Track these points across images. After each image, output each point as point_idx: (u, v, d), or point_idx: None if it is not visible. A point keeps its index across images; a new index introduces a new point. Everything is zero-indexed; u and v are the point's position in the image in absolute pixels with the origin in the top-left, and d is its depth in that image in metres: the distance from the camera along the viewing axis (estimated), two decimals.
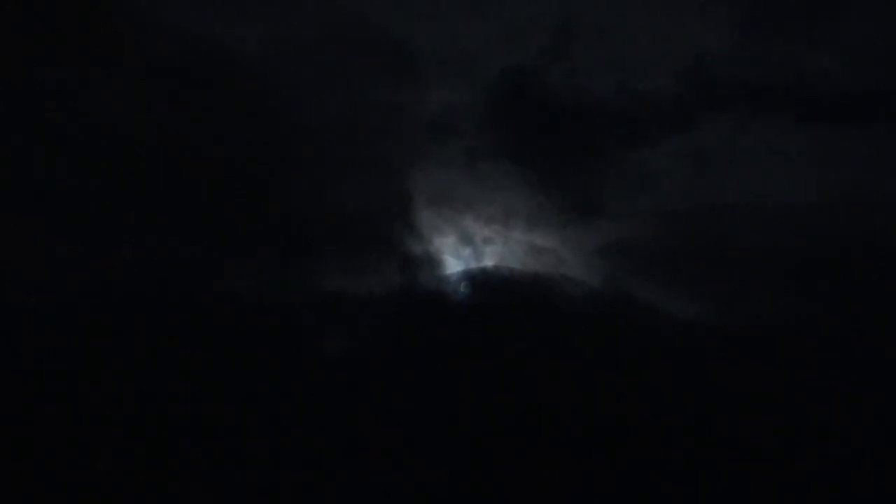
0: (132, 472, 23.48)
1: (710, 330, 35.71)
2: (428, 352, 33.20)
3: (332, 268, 37.50)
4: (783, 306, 35.94)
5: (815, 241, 38.36)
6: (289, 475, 25.36)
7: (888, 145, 41.30)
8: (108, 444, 23.90)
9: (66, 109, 34.07)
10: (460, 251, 43.99)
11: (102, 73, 35.85)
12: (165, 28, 38.28)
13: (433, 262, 40.82)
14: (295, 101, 41.70)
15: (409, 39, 46.07)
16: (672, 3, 48.65)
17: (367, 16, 45.01)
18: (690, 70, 47.03)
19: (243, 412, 27.45)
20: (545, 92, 47.71)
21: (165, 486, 23.32)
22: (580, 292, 39.83)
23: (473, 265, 43.16)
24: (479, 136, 46.52)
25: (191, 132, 37.07)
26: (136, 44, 37.34)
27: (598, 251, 43.09)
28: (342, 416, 28.69)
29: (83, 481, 22.69)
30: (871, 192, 39.34)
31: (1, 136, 31.93)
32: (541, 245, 44.69)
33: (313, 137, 41.28)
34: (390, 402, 29.85)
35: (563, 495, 26.24)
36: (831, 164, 41.90)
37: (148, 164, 35.45)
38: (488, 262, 43.68)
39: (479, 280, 41.13)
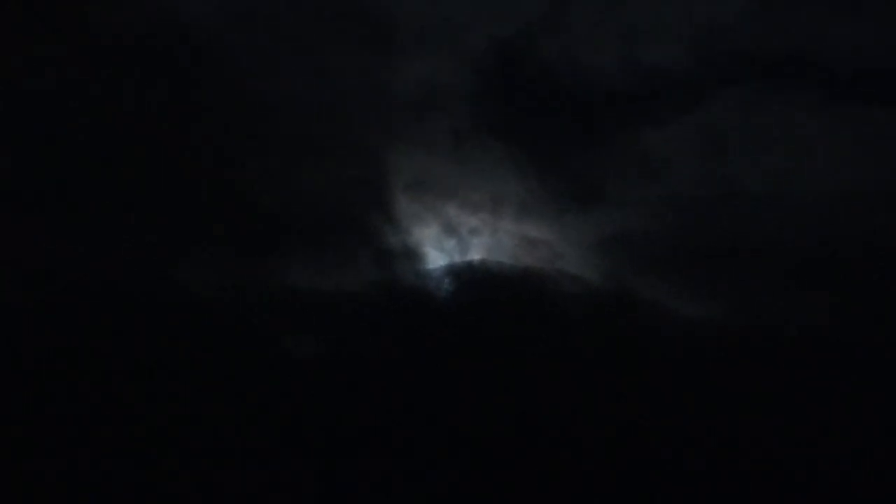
0: (83, 474, 24.24)
1: (721, 334, 35.46)
2: (407, 356, 32.96)
3: (297, 263, 37.09)
4: (806, 311, 35.65)
5: (844, 236, 37.97)
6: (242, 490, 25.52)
7: None
8: (55, 445, 24.69)
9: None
10: (443, 243, 43.56)
11: (41, 46, 35.34)
12: None
13: (413, 256, 40.18)
14: (255, 76, 40.93)
15: (384, 4, 45.60)
16: None
17: None
18: (701, 41, 46.89)
19: (198, 422, 27.23)
20: (539, 65, 47.55)
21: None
22: (577, 290, 39.43)
23: (458, 259, 42.77)
24: (465, 114, 45.98)
25: (136, 112, 36.40)
26: (79, 15, 36.80)
27: (598, 244, 42.59)
28: (308, 429, 28.52)
29: (35, 482, 23.56)
30: None
31: None
32: (534, 237, 44.08)
33: (276, 116, 40.48)
34: (363, 414, 29.65)
35: None
36: (862, 147, 41.75)
37: (88, 148, 34.80)
38: (475, 255, 43.18)
39: (465, 275, 40.74)
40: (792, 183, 41.74)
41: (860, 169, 40.54)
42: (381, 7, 44.91)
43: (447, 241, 43.60)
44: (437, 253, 42.74)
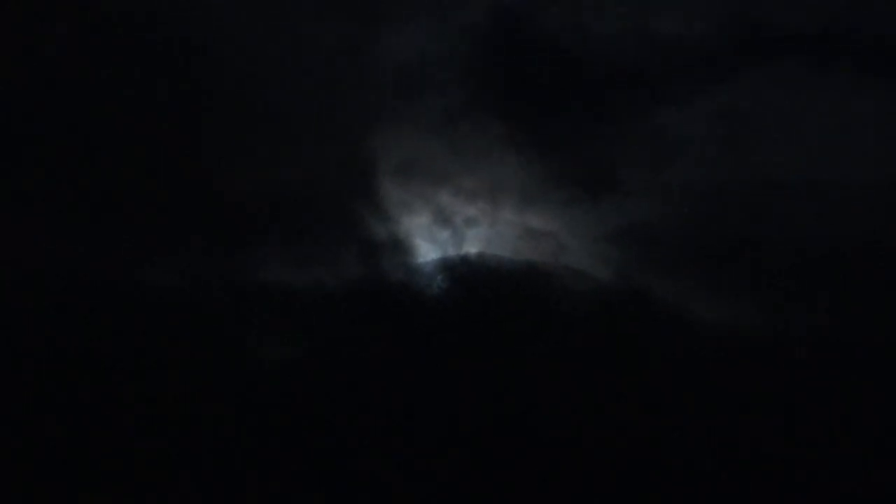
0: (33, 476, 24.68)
1: (744, 341, 35.05)
2: (394, 361, 32.58)
3: (269, 257, 36.95)
4: (843, 317, 35.07)
5: (881, 231, 37.31)
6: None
7: None
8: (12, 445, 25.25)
9: None
10: (436, 235, 43.18)
11: None
12: None
13: (401, 249, 39.96)
14: (226, 48, 40.34)
15: None
16: None
17: None
18: (726, 11, 46.56)
19: (167, 430, 27.13)
20: (542, 36, 46.91)
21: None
22: (584, 288, 38.99)
23: (452, 252, 42.27)
24: (459, 90, 45.33)
25: (95, 88, 36.26)
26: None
27: (608, 237, 41.96)
28: (285, 438, 28.17)
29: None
30: None
31: None
32: (536, 228, 43.65)
33: (248, 93, 40.11)
34: (341, 426, 29.16)
35: None
36: None
37: (37, 129, 34.61)
38: (471, 248, 42.71)
39: (460, 271, 40.29)
40: (826, 171, 41.25)
41: None
42: None
43: (440, 232, 43.31)
44: (428, 245, 42.49)
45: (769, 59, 45.83)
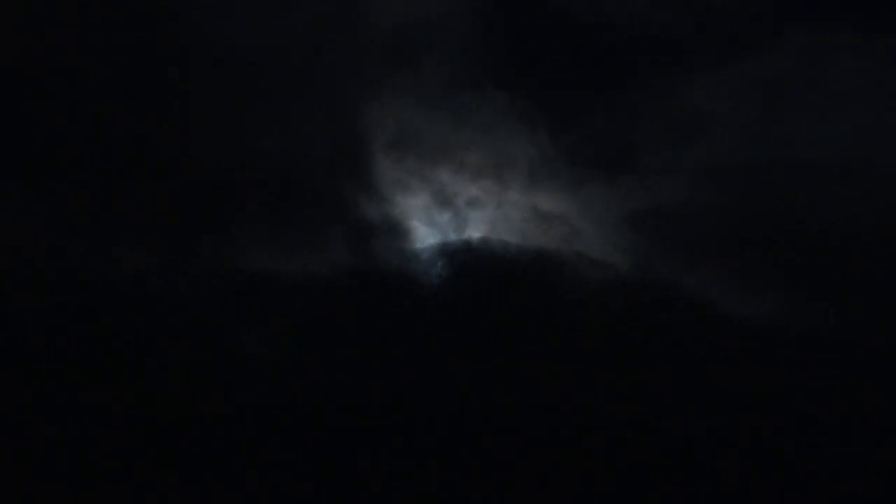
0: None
1: (773, 333, 34.85)
2: (388, 356, 32.01)
3: (252, 240, 36.55)
4: (877, 308, 34.75)
5: None
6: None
7: None
8: None
9: None
10: (435, 217, 42.88)
11: None
12: None
13: (396, 232, 39.84)
14: (203, 11, 39.81)
15: None
16: None
17: None
18: None
19: (145, 430, 26.89)
20: None
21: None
22: (600, 277, 38.74)
23: (453, 237, 42.02)
24: (461, 55, 44.55)
25: (64, 60, 36.12)
26: None
27: (625, 220, 41.67)
28: (266, 441, 27.60)
29: None
30: None
31: None
32: (547, 210, 43.32)
33: (228, 61, 39.66)
34: (334, 427, 28.56)
35: None
36: None
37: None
38: (474, 232, 42.43)
39: (462, 258, 39.88)
40: (870, 151, 40.83)
41: None
42: None
43: (440, 214, 43.00)
44: (426, 229, 42.18)
45: (809, 24, 45.03)
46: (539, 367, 32.20)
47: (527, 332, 34.24)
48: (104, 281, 32.00)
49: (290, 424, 28.11)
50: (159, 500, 24.94)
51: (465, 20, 44.85)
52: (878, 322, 34.01)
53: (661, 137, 42.98)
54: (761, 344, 34.35)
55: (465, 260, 39.71)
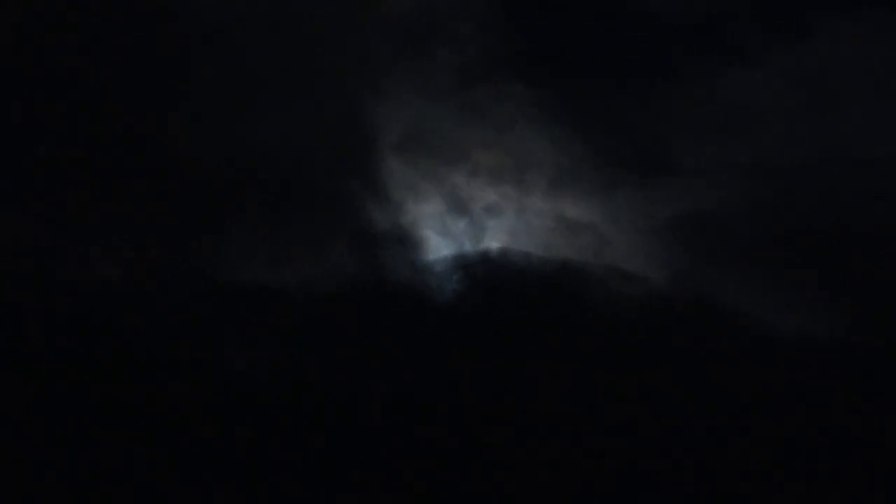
0: None
1: (836, 359, 34.32)
2: (398, 382, 31.80)
3: (249, 250, 36.35)
4: None
5: None
6: None
7: None
8: None
9: None
10: (449, 225, 42.38)
11: None
12: None
13: (406, 242, 39.31)
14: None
15: None
16: None
17: None
18: None
19: (117, 453, 27.05)
20: None
21: None
22: (633, 293, 38.34)
23: (469, 248, 41.72)
24: (477, 43, 44.18)
25: (33, 43, 36.24)
26: None
27: (662, 228, 41.14)
28: (257, 473, 27.68)
29: None
30: None
31: None
32: (574, 218, 42.75)
33: (221, 47, 39.54)
34: (335, 455, 28.69)
35: None
36: None
37: None
38: (492, 242, 41.97)
39: (479, 271, 39.65)
40: None
41: None
42: None
43: (454, 222, 42.56)
44: (439, 238, 41.80)
45: (861, 8, 44.52)
46: (565, 394, 31.83)
47: (552, 355, 33.67)
48: (84, 288, 31.90)
49: (285, 453, 28.05)
50: None
51: (482, 5, 44.53)
52: None
53: (701, 135, 42.49)
54: (811, 363, 33.90)
55: (482, 273, 39.47)
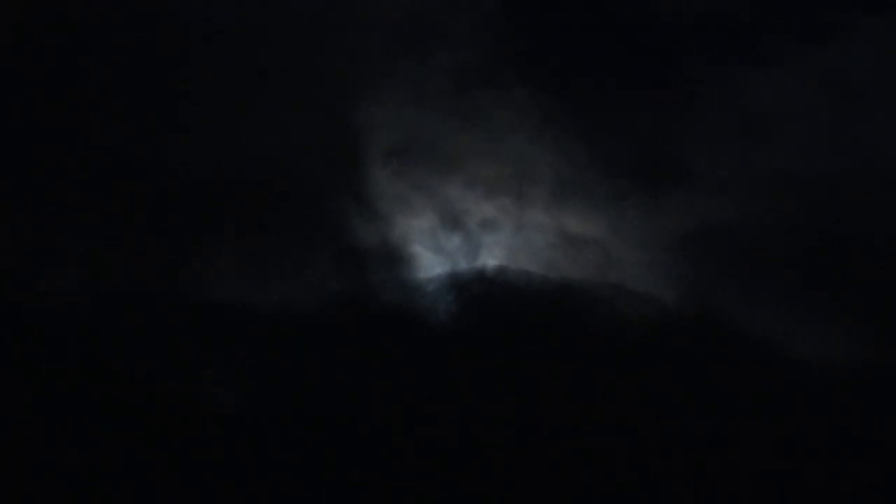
0: None
1: (856, 381, 34.14)
2: (388, 410, 31.87)
3: (222, 265, 36.37)
4: None
5: None
6: None
7: None
8: None
9: None
10: (443, 241, 42.39)
11: None
12: None
13: (396, 259, 39.41)
14: None
15: None
16: None
17: None
18: None
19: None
20: None
21: None
22: (642, 314, 38.44)
23: (464, 265, 41.79)
24: (473, 45, 44.21)
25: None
26: None
27: (673, 245, 40.96)
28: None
29: None
30: None
31: None
32: (577, 233, 42.69)
33: (198, 48, 39.74)
34: (316, 489, 28.66)
35: None
36: None
37: None
38: (489, 260, 42.04)
39: (475, 291, 39.80)
40: None
41: None
42: None
43: (448, 237, 42.54)
44: (432, 256, 41.81)
45: (887, 7, 44.24)
46: (568, 423, 31.70)
47: (553, 381, 33.50)
48: (54, 306, 32.14)
49: (262, 484, 28.06)
50: None
51: (480, 3, 44.62)
52: None
53: (715, 142, 42.42)
54: (837, 391, 33.72)
55: (478, 293, 39.59)
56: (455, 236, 42.41)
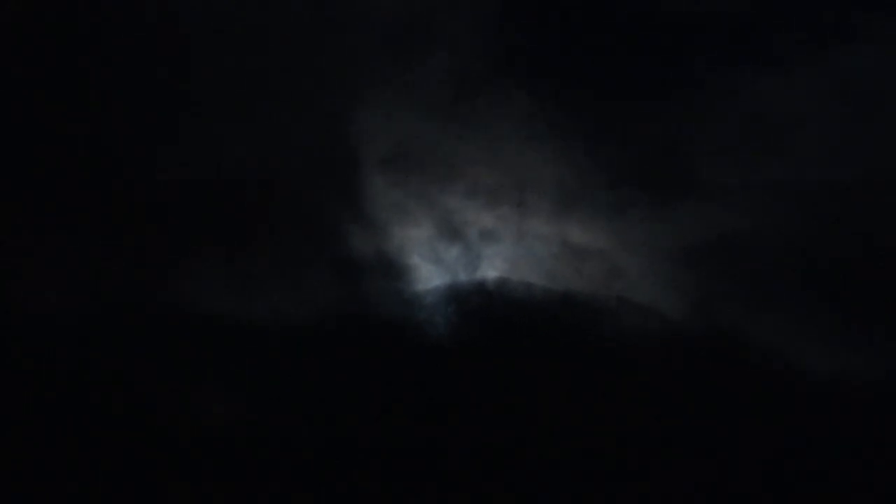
0: None
1: (872, 399, 34.51)
2: (384, 425, 32.09)
3: (213, 278, 36.41)
4: None
5: None
6: None
7: None
8: None
9: None
10: (441, 252, 42.52)
11: None
12: None
13: (393, 271, 39.46)
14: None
15: None
16: None
17: None
18: None
19: None
20: None
21: None
22: (648, 328, 38.72)
23: (464, 277, 41.87)
24: (472, 49, 44.22)
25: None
26: None
27: (681, 256, 41.19)
28: None
29: None
30: None
31: None
32: (581, 244, 42.84)
33: (186, 51, 39.40)
34: None
35: None
36: None
37: None
38: (489, 271, 42.21)
39: (475, 303, 40.01)
40: None
41: None
42: None
43: (447, 248, 42.68)
44: (430, 267, 41.86)
45: None
46: (572, 438, 32.05)
47: (556, 396, 33.92)
48: (40, 319, 32.05)
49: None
50: None
51: (480, 5, 44.36)
52: None
53: (724, 150, 42.50)
54: (859, 415, 33.96)
55: (478, 306, 39.74)
56: (454, 247, 42.46)
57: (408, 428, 31.95)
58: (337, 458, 30.53)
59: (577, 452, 31.56)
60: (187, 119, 38.80)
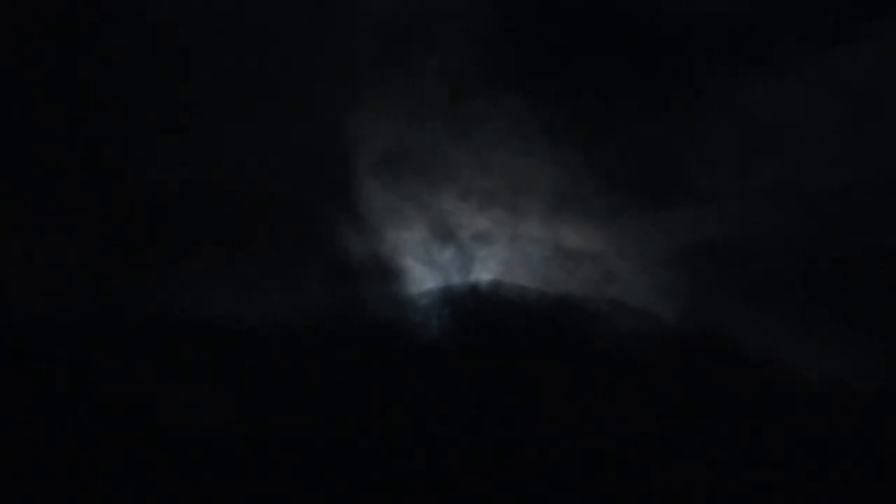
0: None
1: (868, 406, 35.13)
2: (377, 430, 32.53)
3: (202, 280, 36.53)
4: None
5: None
6: None
7: None
8: None
9: None
10: (435, 255, 42.49)
11: None
12: None
13: (386, 274, 39.50)
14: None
15: None
16: None
17: None
18: None
19: None
20: None
21: None
22: (642, 330, 38.82)
23: (457, 280, 41.89)
24: (467, 51, 44.42)
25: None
26: None
27: (675, 259, 41.28)
28: None
29: None
30: None
31: None
32: (575, 247, 42.88)
33: (178, 53, 39.57)
34: None
35: None
36: None
37: None
38: (483, 274, 42.29)
39: (468, 306, 40.20)
40: None
41: None
42: None
43: (440, 251, 42.60)
44: (424, 269, 41.86)
45: None
46: (564, 443, 32.44)
47: (549, 400, 34.14)
48: (32, 321, 32.08)
49: None
50: None
51: (475, 8, 44.69)
52: None
53: (720, 153, 42.73)
54: (855, 423, 34.29)
55: (471, 309, 39.63)
56: (448, 249, 42.29)
57: (404, 429, 32.25)
58: (334, 459, 30.91)
59: (571, 455, 32.02)
60: (188, 122, 38.71)
